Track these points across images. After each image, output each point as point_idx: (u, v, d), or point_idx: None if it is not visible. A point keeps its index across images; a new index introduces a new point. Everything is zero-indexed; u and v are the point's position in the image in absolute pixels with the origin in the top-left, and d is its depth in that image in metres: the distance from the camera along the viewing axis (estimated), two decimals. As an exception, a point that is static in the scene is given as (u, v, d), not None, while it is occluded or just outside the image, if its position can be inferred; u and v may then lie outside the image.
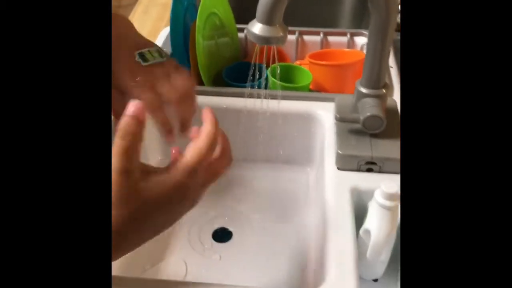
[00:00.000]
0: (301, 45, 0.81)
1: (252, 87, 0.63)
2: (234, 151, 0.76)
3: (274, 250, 0.60)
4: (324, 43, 0.80)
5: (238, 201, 0.67)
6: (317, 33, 0.80)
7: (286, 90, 0.68)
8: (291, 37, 0.80)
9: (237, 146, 0.71)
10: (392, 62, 0.75)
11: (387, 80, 0.58)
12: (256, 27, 0.49)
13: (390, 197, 0.46)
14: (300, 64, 0.74)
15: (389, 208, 0.46)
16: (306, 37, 0.81)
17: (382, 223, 0.47)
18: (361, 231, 0.49)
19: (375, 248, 0.48)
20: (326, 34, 0.80)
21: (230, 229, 0.63)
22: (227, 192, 0.68)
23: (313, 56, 0.74)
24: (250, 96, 0.64)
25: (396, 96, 0.66)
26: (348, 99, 0.61)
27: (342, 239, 0.47)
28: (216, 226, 0.63)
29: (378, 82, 0.55)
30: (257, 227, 0.63)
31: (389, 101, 0.61)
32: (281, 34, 0.49)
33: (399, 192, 0.46)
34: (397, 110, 0.61)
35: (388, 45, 0.53)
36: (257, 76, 0.62)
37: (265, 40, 0.49)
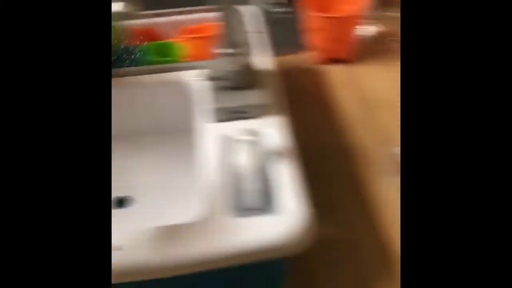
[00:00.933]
0: (175, 25, 0.88)
1: (126, 66, 0.69)
2: (118, 128, 0.81)
3: (171, 206, 0.67)
4: (197, 20, 0.88)
5: (132, 173, 0.73)
6: (188, 12, 0.87)
7: (160, 64, 0.74)
8: (165, 19, 0.87)
9: (121, 123, 0.77)
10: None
11: (247, 42, 0.67)
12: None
13: (250, 132, 0.55)
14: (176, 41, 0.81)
15: (250, 142, 0.55)
16: (179, 17, 0.88)
17: (248, 155, 0.56)
18: (234, 168, 0.58)
19: (247, 177, 0.56)
20: (192, 12, 0.88)
21: (131, 196, 0.69)
22: (120, 166, 0.74)
23: (186, 32, 0.81)
24: (124, 74, 0.70)
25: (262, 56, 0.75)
26: (216, 63, 0.69)
27: (217, 178, 0.56)
28: (115, 195, 0.69)
29: (234, 43, 0.64)
30: (155, 190, 0.70)
31: (249, 59, 0.70)
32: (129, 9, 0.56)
33: (257, 128, 0.55)
34: (254, 65, 0.70)
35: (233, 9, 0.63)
36: (128, 56, 0.68)
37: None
